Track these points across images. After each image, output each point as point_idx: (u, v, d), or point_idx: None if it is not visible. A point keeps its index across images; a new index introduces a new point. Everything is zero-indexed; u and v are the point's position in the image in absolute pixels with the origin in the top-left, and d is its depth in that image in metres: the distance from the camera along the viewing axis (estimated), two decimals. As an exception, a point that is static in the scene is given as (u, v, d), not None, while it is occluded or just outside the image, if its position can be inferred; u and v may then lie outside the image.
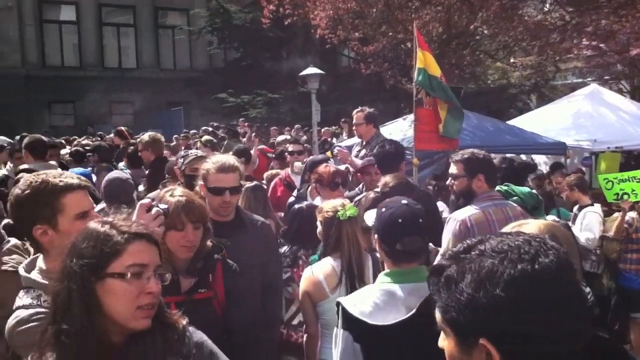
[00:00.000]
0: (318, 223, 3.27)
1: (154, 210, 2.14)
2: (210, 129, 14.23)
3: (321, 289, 2.98)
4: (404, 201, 2.38)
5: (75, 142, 11.81)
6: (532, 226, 2.05)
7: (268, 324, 3.15)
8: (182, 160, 4.38)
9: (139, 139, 7.13)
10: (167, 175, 5.04)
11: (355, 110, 6.15)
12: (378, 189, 3.91)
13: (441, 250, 3.42)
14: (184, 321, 1.73)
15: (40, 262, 2.04)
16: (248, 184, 4.31)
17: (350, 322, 2.18)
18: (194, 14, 25.29)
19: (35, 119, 22.68)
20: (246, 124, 16.16)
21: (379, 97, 20.12)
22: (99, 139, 13.39)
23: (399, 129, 8.87)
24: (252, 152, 7.64)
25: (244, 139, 11.20)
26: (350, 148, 6.34)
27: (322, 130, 14.26)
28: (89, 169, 7.35)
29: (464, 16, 13.72)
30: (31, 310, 1.87)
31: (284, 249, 3.71)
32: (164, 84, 25.86)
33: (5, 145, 9.47)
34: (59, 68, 25.74)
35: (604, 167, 9.28)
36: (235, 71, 23.87)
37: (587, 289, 2.16)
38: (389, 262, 2.34)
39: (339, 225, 3.07)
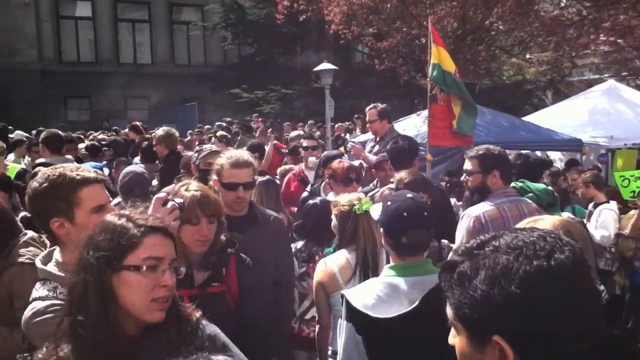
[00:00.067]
0: (333, 216, 3.28)
1: (170, 204, 2.15)
2: (224, 124, 14.30)
3: (335, 280, 2.99)
4: (409, 195, 2.40)
5: (91, 137, 11.92)
6: (547, 222, 2.04)
7: (279, 318, 3.16)
8: (196, 154, 4.41)
9: (153, 134, 7.18)
10: (182, 170, 5.07)
11: (368, 107, 6.14)
12: (392, 185, 3.90)
13: (454, 246, 3.40)
14: (198, 314, 1.74)
15: (57, 255, 2.06)
16: (261, 179, 4.33)
17: (354, 314, 2.21)
18: (208, 9, 25.35)
19: (51, 114, 22.91)
20: (260, 119, 16.19)
21: (393, 93, 20.03)
22: (114, 133, 13.50)
23: (413, 125, 8.84)
24: (267, 147, 7.65)
25: (257, 134, 11.20)
26: (364, 144, 6.33)
27: (336, 126, 14.24)
28: (104, 162, 7.43)
29: (479, 11, 13.62)
30: (47, 302, 1.89)
31: (300, 244, 3.72)
32: (178, 80, 25.97)
33: (24, 139, 9.60)
34: (75, 64, 25.96)
35: (620, 164, 9.16)
36: (249, 67, 23.91)
37: (602, 287, 2.15)
38: (394, 255, 2.37)
39: (355, 219, 3.08)
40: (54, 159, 5.61)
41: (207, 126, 15.23)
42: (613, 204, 6.14)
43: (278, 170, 6.48)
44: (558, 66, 19.61)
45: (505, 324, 1.06)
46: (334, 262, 3.08)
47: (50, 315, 1.82)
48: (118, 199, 4.23)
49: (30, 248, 2.61)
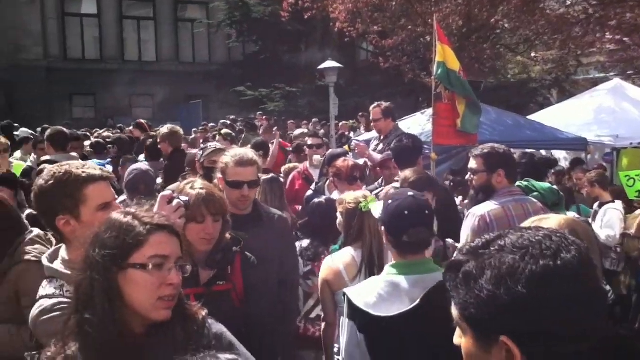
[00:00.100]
0: (338, 214, 3.28)
1: (175, 202, 2.15)
2: (229, 122, 14.31)
3: (340, 278, 3.00)
4: (410, 193, 2.42)
5: (96, 135, 11.95)
6: (552, 221, 2.03)
7: (284, 317, 3.16)
8: (201, 152, 4.41)
9: (157, 132, 7.19)
10: (187, 168, 5.08)
11: (372, 106, 6.13)
12: (397, 184, 3.89)
13: (459, 246, 3.40)
14: (204, 313, 1.75)
15: (63, 253, 2.06)
16: (265, 177, 4.34)
17: (355, 313, 2.22)
18: (213, 7, 25.35)
19: (56, 111, 22.96)
20: (264, 117, 16.20)
21: (398, 91, 20.00)
22: (119, 131, 13.53)
23: (418, 123, 8.83)
24: (273, 145, 7.65)
25: (260, 131, 11.21)
26: (368, 142, 6.33)
27: (340, 124, 14.23)
28: (108, 160, 7.44)
29: (484, 9, 13.57)
30: (54, 300, 1.90)
31: (305, 242, 3.73)
32: (183, 77, 25.99)
33: (31, 137, 9.62)
34: (80, 61, 26.01)
35: (625, 163, 9.12)
36: (254, 64, 23.90)
37: (607, 287, 2.14)
38: (395, 254, 2.38)
39: (361, 217, 3.08)
40: (58, 156, 5.63)
41: (212, 124, 15.25)
42: (618, 204, 6.12)
43: (282, 169, 6.48)
44: (563, 64, 19.51)
45: (512, 324, 1.06)
46: (340, 259, 3.08)
47: (58, 313, 1.83)
48: (123, 197, 4.24)
49: (37, 246, 2.62)
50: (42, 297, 1.95)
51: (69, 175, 2.04)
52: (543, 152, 9.09)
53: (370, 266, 2.97)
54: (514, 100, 19.59)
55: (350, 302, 2.25)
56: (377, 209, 2.55)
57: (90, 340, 1.52)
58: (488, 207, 3.37)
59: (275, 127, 11.49)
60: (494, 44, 16.18)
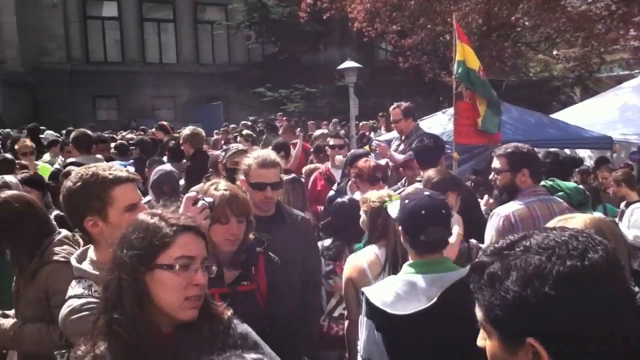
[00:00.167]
0: (362, 213, 3.29)
1: (200, 203, 2.17)
2: (249, 123, 14.38)
3: (364, 275, 3.00)
4: (427, 192, 2.43)
5: (120, 136, 12.10)
6: (577, 221, 2.01)
7: (307, 318, 3.17)
8: (223, 153, 4.45)
9: (180, 133, 7.26)
10: (210, 169, 5.12)
11: (392, 107, 6.10)
12: (419, 184, 3.87)
13: (483, 246, 3.37)
14: (229, 312, 1.76)
15: (91, 253, 2.09)
16: (286, 177, 4.35)
17: (373, 311, 2.24)
18: (232, 8, 25.52)
19: (80, 114, 23.31)
20: (284, 118, 16.25)
21: (417, 91, 19.92)
22: (142, 133, 13.69)
23: (438, 123, 8.78)
24: (297, 147, 7.67)
25: (280, 132, 11.24)
26: (389, 142, 6.31)
27: (360, 124, 14.21)
28: (130, 161, 7.53)
29: (504, 7, 13.44)
30: (83, 300, 1.93)
31: (327, 242, 3.74)
32: (203, 79, 26.21)
33: (59, 139, 9.79)
34: (102, 63, 26.40)
35: (652, 161, 8.99)
36: (273, 65, 24.00)
37: (636, 288, 2.11)
38: (413, 253, 2.39)
39: (386, 216, 3.08)
40: (83, 158, 5.72)
41: (233, 125, 15.34)
42: (646, 203, 6.02)
43: (303, 170, 6.49)
44: (586, 62, 19.19)
45: (539, 325, 1.05)
46: (364, 257, 3.09)
47: (86, 312, 1.86)
48: (148, 197, 4.30)
49: (65, 246, 2.66)
50: (71, 297, 1.98)
51: (96, 177, 2.07)
52: (567, 151, 8.99)
53: (394, 264, 2.96)
54: (536, 99, 19.36)
55: (368, 301, 2.28)
56: (394, 209, 2.56)
57: (119, 339, 1.54)
58: (513, 207, 3.34)
59: (299, 129, 11.51)
60: (515, 42, 15.98)
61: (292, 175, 4.74)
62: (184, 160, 6.56)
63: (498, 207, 3.47)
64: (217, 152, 5.83)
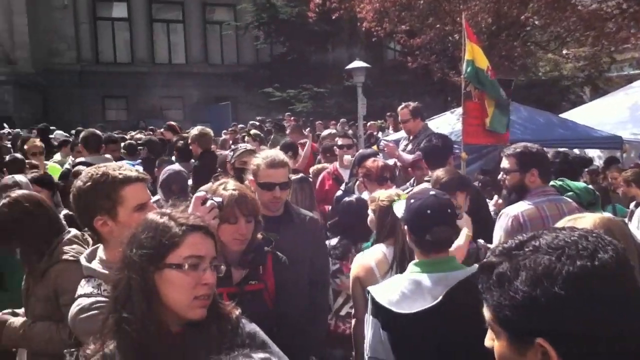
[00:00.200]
0: (370, 212, 3.29)
1: (209, 202, 2.17)
2: (257, 123, 14.40)
3: (372, 274, 3.01)
4: (432, 192, 2.44)
5: (130, 137, 12.17)
6: (587, 220, 2.00)
7: (315, 318, 3.17)
8: (231, 153, 4.47)
9: (188, 133, 7.29)
10: (219, 169, 5.14)
11: (400, 107, 6.09)
12: (425, 184, 3.86)
13: (492, 246, 3.36)
14: (237, 312, 1.77)
15: (101, 252, 2.10)
16: (294, 176, 4.36)
17: (379, 310, 2.26)
18: (240, 9, 25.58)
19: (90, 114, 23.49)
20: (292, 118, 16.27)
21: (426, 90, 19.89)
22: (150, 133, 13.75)
23: (447, 123, 8.76)
24: (306, 147, 7.67)
25: (288, 131, 11.24)
26: (397, 142, 6.30)
27: (368, 124, 14.19)
28: (138, 161, 7.57)
29: (514, 6, 13.37)
30: (92, 299, 1.94)
31: (334, 241, 3.74)
32: (212, 79, 26.30)
33: (70, 139, 9.86)
34: (112, 64, 26.55)
35: (663, 161, 8.90)
36: (281, 65, 24.06)
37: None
38: (418, 252, 2.40)
39: (394, 214, 3.08)
40: (92, 158, 5.75)
41: (241, 125, 15.38)
42: (656, 203, 5.97)
43: (310, 170, 6.48)
44: (596, 61, 19.08)
45: (549, 325, 1.05)
46: (371, 256, 3.10)
47: (95, 311, 1.87)
48: (157, 197, 4.32)
49: (74, 245, 2.68)
50: (80, 296, 1.99)
51: (106, 176, 2.08)
52: (576, 150, 8.93)
53: (402, 263, 2.96)
54: (545, 99, 19.27)
55: (374, 300, 2.29)
56: (399, 208, 2.56)
57: (128, 338, 1.55)
58: (521, 207, 3.33)
59: (308, 129, 11.51)
60: (524, 42, 15.90)
61: (300, 174, 4.75)
62: (192, 160, 6.58)
63: (507, 207, 3.45)
64: (225, 152, 5.84)
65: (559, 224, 2.00)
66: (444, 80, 15.53)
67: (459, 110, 6.96)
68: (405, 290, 2.27)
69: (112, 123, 21.83)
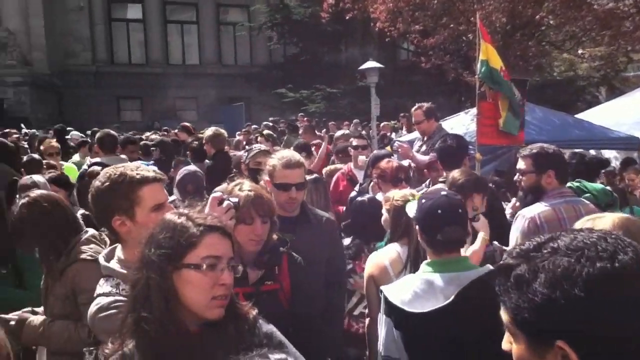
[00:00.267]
0: (384, 211, 3.29)
1: (225, 203, 2.18)
2: (271, 124, 14.43)
3: (386, 273, 3.01)
4: (444, 192, 2.46)
5: (145, 137, 12.24)
6: (606, 220, 1.99)
7: (332, 318, 3.16)
8: (246, 154, 4.49)
9: (203, 134, 7.33)
10: (233, 170, 5.16)
11: (413, 109, 6.06)
12: (441, 185, 3.84)
13: (508, 248, 3.33)
14: (254, 312, 1.78)
15: (119, 252, 2.13)
16: (309, 177, 4.36)
17: (391, 309, 2.28)
18: (254, 10, 25.68)
19: (105, 115, 23.70)
20: (305, 118, 16.28)
21: (440, 91, 19.81)
22: (165, 133, 13.83)
23: (461, 123, 8.71)
24: (321, 148, 7.67)
25: (301, 132, 11.25)
26: (411, 143, 6.28)
27: (382, 124, 14.16)
28: (151, 162, 7.62)
29: (528, 6, 13.27)
30: (111, 298, 1.96)
31: (347, 241, 3.74)
32: (225, 80, 26.42)
33: (88, 140, 9.95)
34: (127, 65, 26.78)
35: (680, 162, 8.76)
36: (295, 66, 24.11)
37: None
38: (430, 252, 2.42)
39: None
40: (108, 158, 5.80)
41: (254, 126, 15.42)
42: (674, 205, 5.89)
43: (324, 171, 6.47)
44: (612, 61, 18.87)
45: (569, 327, 1.04)
46: (386, 255, 3.10)
47: (114, 311, 1.88)
48: (173, 197, 4.35)
49: (92, 245, 2.70)
50: (99, 295, 2.01)
51: (124, 177, 2.10)
52: (592, 151, 8.83)
53: (416, 262, 2.96)
54: (560, 99, 19.11)
55: (386, 299, 2.31)
56: (411, 209, 2.57)
57: (147, 337, 1.56)
58: (538, 208, 3.30)
59: (324, 130, 11.51)
60: (539, 41, 15.79)
61: (315, 175, 4.75)
62: (207, 161, 6.61)
63: (523, 209, 3.42)
64: (239, 153, 5.86)
65: (578, 224, 1.99)
66: (458, 80, 15.47)
67: (473, 110, 6.92)
68: (417, 289, 2.28)
69: (127, 124, 22.03)
